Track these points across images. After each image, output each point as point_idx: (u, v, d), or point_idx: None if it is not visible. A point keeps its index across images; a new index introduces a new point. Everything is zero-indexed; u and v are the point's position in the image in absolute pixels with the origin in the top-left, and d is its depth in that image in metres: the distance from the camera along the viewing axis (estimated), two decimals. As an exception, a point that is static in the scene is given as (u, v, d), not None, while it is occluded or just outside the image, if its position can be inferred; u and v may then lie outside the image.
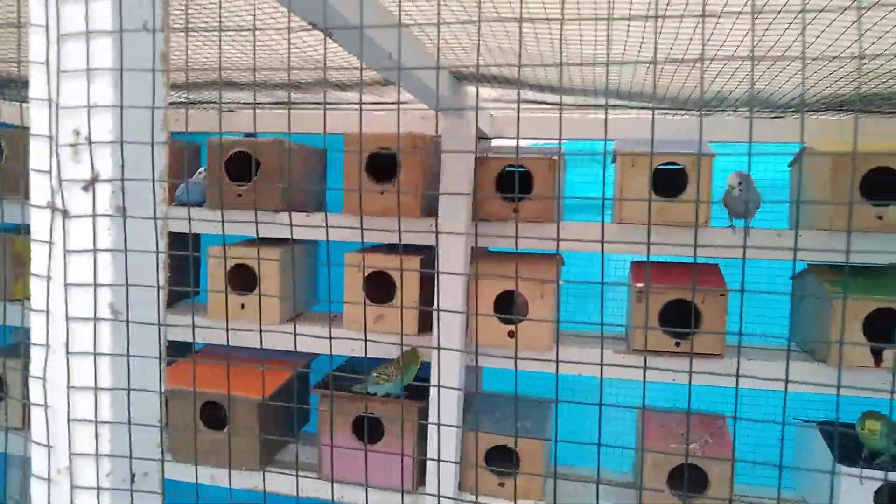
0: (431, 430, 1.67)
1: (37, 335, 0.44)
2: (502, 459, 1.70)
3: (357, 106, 1.83)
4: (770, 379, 0.68)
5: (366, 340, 1.68)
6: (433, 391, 1.66)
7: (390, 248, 1.81)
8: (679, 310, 1.59)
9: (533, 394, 1.97)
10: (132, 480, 0.43)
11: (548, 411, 1.79)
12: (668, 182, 1.60)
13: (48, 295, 0.44)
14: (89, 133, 0.42)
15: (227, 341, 1.85)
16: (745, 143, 1.77)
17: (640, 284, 1.60)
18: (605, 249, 1.66)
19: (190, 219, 1.74)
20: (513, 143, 1.90)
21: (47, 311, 0.43)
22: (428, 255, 1.78)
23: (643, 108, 1.74)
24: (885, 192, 1.48)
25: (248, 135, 2.12)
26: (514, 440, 1.64)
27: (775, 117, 1.77)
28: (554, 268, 1.64)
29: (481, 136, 1.85)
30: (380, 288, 1.75)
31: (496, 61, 1.38)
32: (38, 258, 0.44)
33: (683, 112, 1.72)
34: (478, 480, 1.68)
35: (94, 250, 0.42)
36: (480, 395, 1.89)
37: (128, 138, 0.42)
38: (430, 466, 1.66)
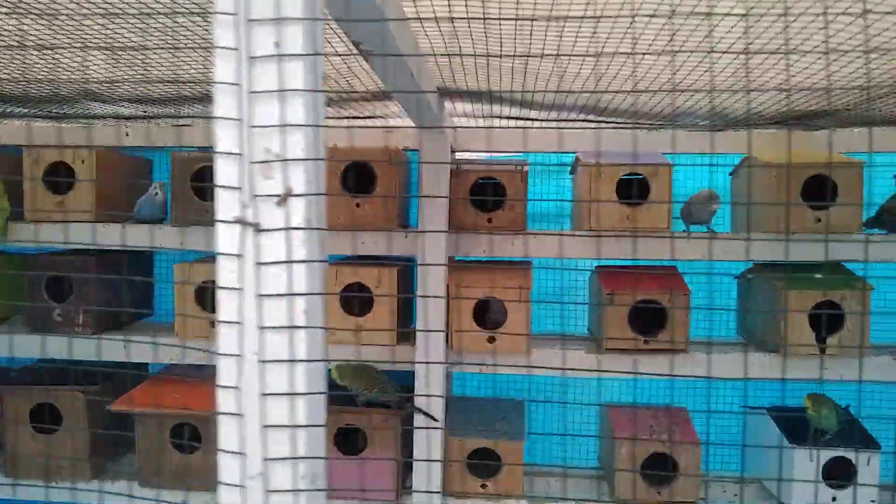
0: (417, 438, 1.70)
1: (226, 346, 0.45)
2: (483, 462, 1.75)
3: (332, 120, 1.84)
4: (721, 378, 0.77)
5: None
6: (418, 401, 1.69)
7: (365, 261, 1.82)
8: (644, 310, 1.71)
9: (508, 395, 2.03)
10: (314, 483, 0.45)
11: (522, 413, 1.86)
12: (630, 192, 1.72)
13: (240, 306, 0.45)
14: (283, 150, 0.44)
15: (182, 357, 1.80)
16: (694, 154, 1.92)
17: (609, 288, 1.70)
18: (575, 255, 1.76)
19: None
20: (476, 156, 1.97)
21: (240, 323, 0.45)
22: (404, 266, 1.82)
23: (603, 122, 1.86)
24: (822, 197, 1.66)
25: (201, 149, 2.08)
26: (493, 442, 1.70)
27: (717, 131, 1.93)
28: (529, 275, 1.72)
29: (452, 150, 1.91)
30: (356, 300, 1.77)
31: (466, 76, 1.45)
32: (225, 271, 0.46)
33: (642, 126, 1.85)
34: (462, 483, 1.72)
35: (289, 262, 0.44)
36: (455, 401, 1.93)
37: (309, 155, 0.44)
38: (417, 472, 1.68)
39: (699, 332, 1.89)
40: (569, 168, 1.98)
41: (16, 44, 1.11)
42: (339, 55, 1.14)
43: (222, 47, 0.44)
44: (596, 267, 1.88)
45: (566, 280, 2.12)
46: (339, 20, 0.68)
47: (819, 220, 1.66)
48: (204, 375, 1.80)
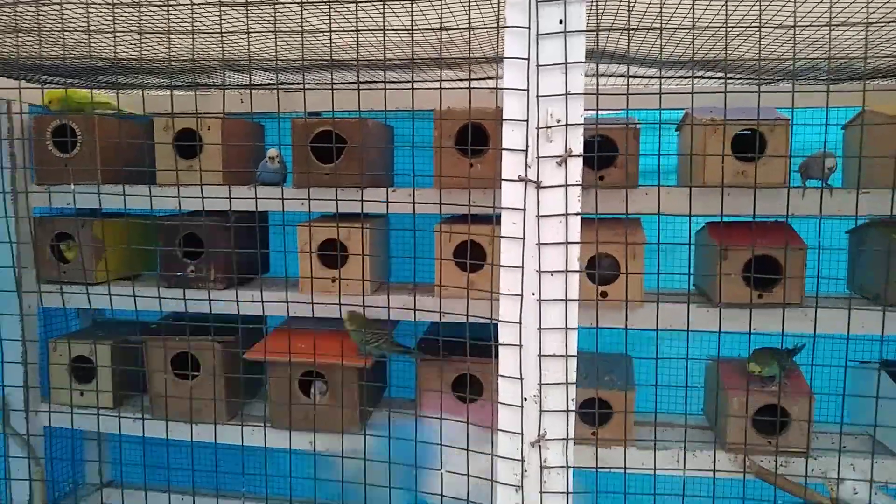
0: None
1: (509, 286, 0.52)
2: (594, 412, 1.83)
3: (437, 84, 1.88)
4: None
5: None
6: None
7: (479, 220, 1.89)
8: (757, 266, 1.72)
9: (617, 350, 2.08)
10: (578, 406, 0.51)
11: (629, 367, 1.92)
12: (743, 148, 1.72)
13: (522, 253, 0.52)
14: (566, 116, 0.50)
15: (313, 313, 1.90)
16: (809, 108, 1.88)
17: (724, 243, 1.72)
18: (684, 212, 1.77)
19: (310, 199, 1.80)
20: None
21: (522, 267, 0.52)
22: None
23: (713, 78, 1.84)
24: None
25: (311, 114, 2.17)
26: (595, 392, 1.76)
27: (831, 83, 1.89)
28: (640, 230, 1.75)
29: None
30: (470, 257, 1.84)
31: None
32: (509, 223, 0.52)
33: (750, 82, 1.83)
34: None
35: (566, 214, 0.50)
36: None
37: (583, 120, 0.50)
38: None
39: (810, 289, 1.88)
40: (675, 125, 1.98)
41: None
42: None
43: (513, 26, 0.49)
44: (707, 223, 1.89)
45: (667, 237, 2.14)
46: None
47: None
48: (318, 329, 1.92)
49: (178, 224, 1.97)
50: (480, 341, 1.91)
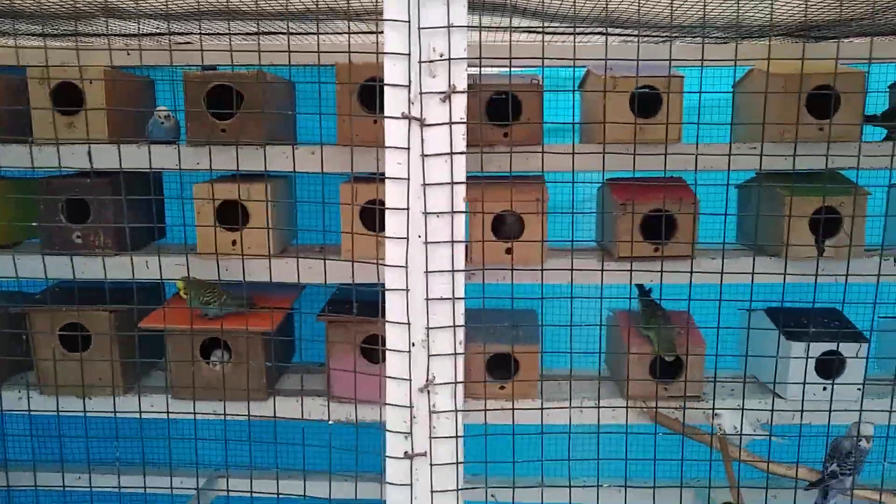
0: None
1: (394, 229, 0.50)
2: (501, 367, 1.86)
3: (344, 35, 1.82)
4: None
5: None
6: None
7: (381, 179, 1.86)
8: (654, 219, 1.78)
9: (525, 307, 2.12)
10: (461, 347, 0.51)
11: (535, 320, 1.96)
12: (641, 104, 1.76)
13: (407, 194, 0.50)
14: (448, 50, 0.48)
15: (218, 276, 1.83)
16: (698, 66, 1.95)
17: (623, 198, 1.77)
18: (587, 168, 1.81)
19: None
20: (490, 70, 1.98)
21: (407, 209, 0.50)
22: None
23: (611, 34, 1.87)
24: (825, 107, 1.73)
25: (206, 68, 2.05)
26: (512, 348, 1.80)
27: (722, 42, 1.97)
28: (543, 188, 1.77)
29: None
30: (374, 217, 1.81)
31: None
32: (392, 163, 0.50)
33: (650, 38, 1.87)
34: (482, 386, 1.83)
35: (451, 153, 0.49)
36: (472, 311, 2.02)
37: (467, 55, 0.48)
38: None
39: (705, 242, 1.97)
40: (579, 82, 2.01)
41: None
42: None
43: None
44: (606, 180, 1.94)
45: (575, 195, 2.18)
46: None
47: (822, 130, 1.74)
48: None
49: (59, 185, 1.83)
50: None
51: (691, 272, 1.55)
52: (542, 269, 1.64)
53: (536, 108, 1.79)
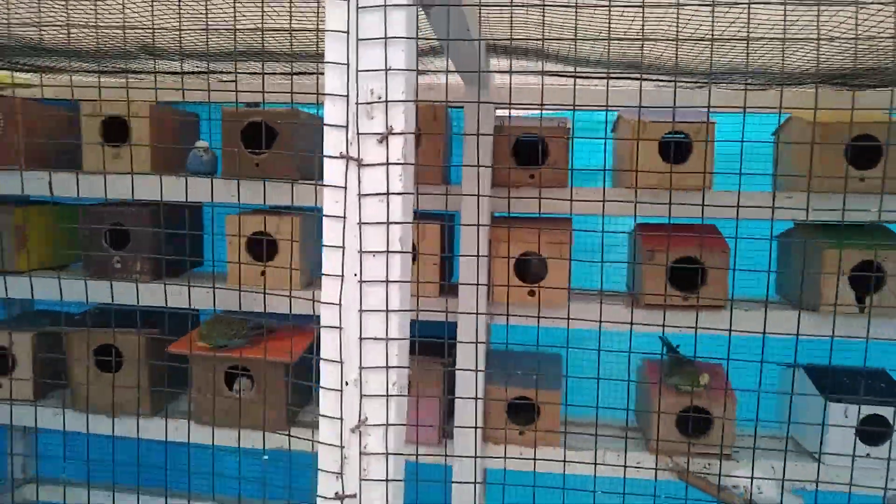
0: (458, 384, 1.77)
1: (330, 267, 0.51)
2: (521, 412, 1.82)
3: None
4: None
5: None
6: (459, 351, 1.76)
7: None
8: (684, 268, 1.73)
9: (549, 351, 2.08)
10: (400, 390, 0.51)
11: (559, 365, 1.92)
12: (672, 149, 1.73)
13: (343, 232, 0.50)
14: (386, 93, 0.49)
15: (239, 306, 1.87)
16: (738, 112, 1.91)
17: (650, 245, 1.73)
18: (616, 213, 1.78)
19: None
20: (519, 113, 1.99)
21: (342, 247, 0.50)
22: (446, 221, 1.87)
23: (646, 79, 1.86)
24: (867, 158, 1.66)
25: (249, 105, 2.13)
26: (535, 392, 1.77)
27: (761, 89, 1.92)
28: (569, 231, 1.75)
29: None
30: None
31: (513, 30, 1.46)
32: (330, 201, 0.51)
33: (685, 84, 1.85)
34: (502, 430, 1.79)
35: (388, 193, 0.49)
36: (495, 353, 2.00)
37: (408, 98, 0.49)
38: (458, 418, 1.76)
39: (740, 292, 1.90)
40: (612, 126, 2.00)
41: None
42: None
43: (333, -1, 0.48)
44: (636, 224, 1.91)
45: (606, 238, 2.14)
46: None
47: (863, 180, 1.67)
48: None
49: (103, 213, 1.92)
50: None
51: (730, 328, 1.49)
52: (567, 318, 1.62)
53: (563, 152, 1.78)
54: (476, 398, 1.71)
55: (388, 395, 0.50)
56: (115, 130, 1.91)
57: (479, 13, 1.20)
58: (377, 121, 0.49)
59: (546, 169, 1.78)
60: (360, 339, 0.51)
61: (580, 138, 1.93)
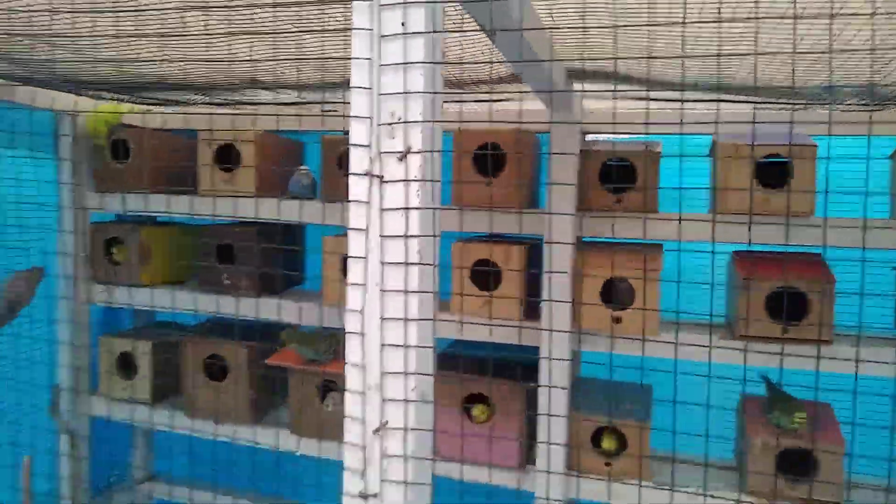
0: (541, 408, 1.76)
1: (355, 277, 0.54)
2: (607, 441, 1.77)
3: (457, 103, 1.91)
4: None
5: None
6: (543, 375, 1.75)
7: (494, 239, 1.90)
8: (786, 298, 1.63)
9: (635, 381, 2.02)
10: (423, 398, 0.53)
11: (649, 396, 1.85)
12: (770, 173, 1.65)
13: (366, 244, 0.54)
14: (405, 114, 0.52)
15: (320, 323, 1.96)
16: (841, 136, 1.79)
17: (746, 273, 1.65)
18: (709, 239, 1.72)
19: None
20: (605, 137, 1.97)
21: (365, 258, 0.54)
22: (532, 245, 1.87)
23: (740, 101, 1.78)
24: None
25: (346, 132, 2.25)
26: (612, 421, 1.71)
27: (871, 110, 1.79)
28: (659, 256, 1.71)
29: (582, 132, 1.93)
30: (485, 276, 1.85)
31: (595, 55, 1.46)
32: (356, 216, 0.55)
33: (782, 105, 1.76)
34: (586, 461, 1.75)
35: (407, 208, 0.52)
36: (581, 381, 1.96)
37: (426, 118, 0.52)
38: (541, 446, 1.74)
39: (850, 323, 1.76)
40: (707, 150, 1.93)
41: (202, 31, 1.29)
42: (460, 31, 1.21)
43: (358, 28, 0.52)
44: (734, 252, 1.82)
45: (699, 266, 2.06)
46: (462, 2, 0.75)
47: None
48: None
49: (214, 232, 2.09)
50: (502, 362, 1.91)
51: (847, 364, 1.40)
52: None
53: (653, 175, 1.74)
54: (551, 415, 1.69)
55: (406, 401, 0.53)
56: (228, 157, 2.08)
57: (550, 36, 1.22)
58: (397, 140, 0.53)
59: (634, 193, 1.75)
60: (381, 345, 0.54)
61: (667, 156, 1.87)
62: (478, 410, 1.83)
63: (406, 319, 0.52)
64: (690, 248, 2.04)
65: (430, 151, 0.53)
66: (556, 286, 1.72)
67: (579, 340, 1.77)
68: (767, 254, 1.77)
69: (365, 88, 0.53)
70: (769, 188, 1.64)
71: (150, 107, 2.23)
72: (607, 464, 1.78)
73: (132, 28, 1.30)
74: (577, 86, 1.65)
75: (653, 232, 1.73)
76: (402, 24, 0.51)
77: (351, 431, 0.55)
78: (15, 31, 1.32)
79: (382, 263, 0.53)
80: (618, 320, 1.73)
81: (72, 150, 2.16)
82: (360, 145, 0.54)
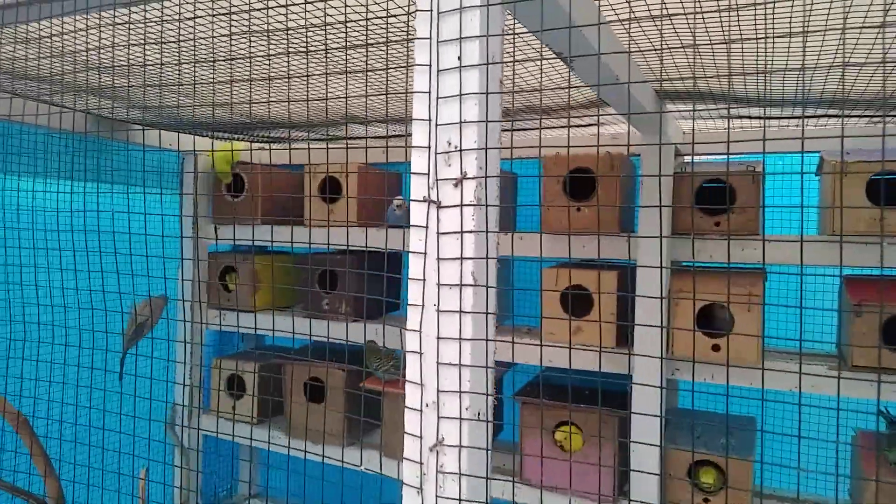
0: (635, 438, 1.71)
1: (413, 297, 0.58)
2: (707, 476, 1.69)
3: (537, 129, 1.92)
4: None
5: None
6: (635, 403, 1.70)
7: (587, 264, 1.88)
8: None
9: (737, 412, 1.93)
10: (478, 416, 0.55)
11: (752, 429, 1.76)
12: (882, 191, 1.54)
13: (424, 267, 0.57)
14: (460, 143, 0.55)
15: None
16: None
17: (858, 298, 1.54)
18: (818, 262, 1.62)
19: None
20: (703, 157, 1.91)
21: (423, 280, 0.57)
22: (625, 270, 1.84)
23: (847, 116, 1.68)
24: None
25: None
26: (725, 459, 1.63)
27: None
28: (760, 281, 1.63)
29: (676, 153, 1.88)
30: (579, 301, 1.83)
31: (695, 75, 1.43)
32: (415, 240, 0.58)
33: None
34: (683, 497, 1.68)
35: (461, 232, 0.55)
36: (679, 411, 1.89)
37: (481, 146, 0.55)
38: (634, 479, 1.69)
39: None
40: (815, 169, 1.83)
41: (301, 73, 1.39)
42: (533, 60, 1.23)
43: (419, 64, 0.56)
44: (845, 275, 1.70)
45: (812, 290, 1.94)
46: (534, 31, 0.77)
47: None
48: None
49: (318, 260, 2.20)
50: (585, 389, 1.88)
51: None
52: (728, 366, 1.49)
53: (753, 196, 1.67)
54: (647, 443, 1.63)
55: (460, 419, 0.54)
56: (332, 188, 2.19)
57: (629, 60, 1.21)
58: (453, 167, 0.55)
59: (733, 215, 1.68)
60: (438, 363, 0.56)
61: (770, 174, 1.79)
62: (567, 437, 1.80)
63: (461, 339, 0.54)
64: (795, 272, 1.93)
65: (485, 177, 0.56)
66: (650, 311, 1.68)
67: (674, 368, 1.71)
68: (884, 277, 1.65)
69: (423, 120, 0.56)
70: (885, 206, 1.53)
71: (262, 144, 2.40)
72: (706, 500, 1.70)
73: (244, 74, 1.42)
74: (669, 106, 1.62)
75: (754, 255, 1.66)
76: (458, 58, 0.54)
77: (409, 447, 0.57)
78: (149, 83, 1.48)
79: (439, 285, 0.56)
80: (716, 348, 1.65)
81: (194, 186, 2.36)
82: (419, 173, 0.57)
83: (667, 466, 1.73)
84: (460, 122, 0.54)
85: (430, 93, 0.56)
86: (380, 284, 2.26)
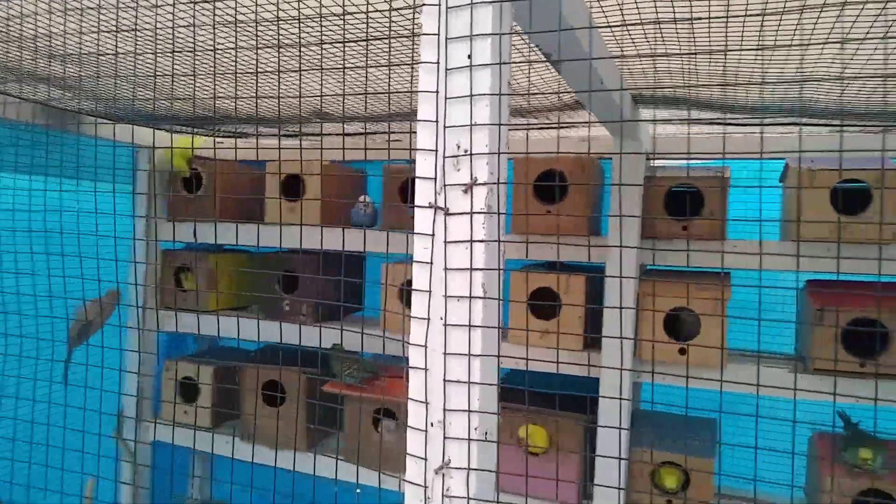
0: (599, 443, 1.71)
1: (418, 311, 0.54)
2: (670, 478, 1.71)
3: (522, 131, 1.91)
4: None
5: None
6: (601, 408, 1.70)
7: (553, 267, 1.87)
8: (864, 331, 1.55)
9: (702, 416, 1.95)
10: (486, 436, 0.52)
11: (714, 431, 1.78)
12: (847, 200, 1.58)
13: (430, 277, 0.54)
14: (470, 146, 0.52)
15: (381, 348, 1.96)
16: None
17: (820, 303, 1.57)
18: (781, 268, 1.65)
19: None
20: (672, 163, 1.93)
21: (429, 292, 0.54)
22: (594, 273, 1.84)
23: (813, 125, 1.72)
24: None
25: (410, 162, 2.27)
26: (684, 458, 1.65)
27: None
28: (725, 285, 1.64)
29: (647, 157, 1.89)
30: (545, 305, 1.82)
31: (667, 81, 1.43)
32: (420, 249, 0.55)
33: (860, 129, 1.69)
34: (647, 497, 1.69)
35: (471, 241, 0.52)
36: (643, 414, 1.90)
37: (492, 150, 0.52)
38: (599, 480, 1.69)
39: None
40: (779, 175, 1.87)
41: (272, 69, 1.34)
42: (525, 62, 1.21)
43: (425, 62, 0.53)
44: (807, 281, 1.74)
45: (772, 295, 1.98)
46: (526, 32, 0.74)
47: None
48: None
49: (277, 260, 2.13)
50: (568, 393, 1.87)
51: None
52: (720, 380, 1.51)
53: (719, 202, 1.69)
54: (619, 458, 1.64)
55: (469, 440, 0.51)
56: (293, 187, 2.13)
57: (621, 65, 1.20)
58: (463, 172, 0.52)
59: (700, 220, 1.70)
60: (445, 381, 0.53)
61: (737, 186, 1.82)
62: (533, 441, 1.79)
63: (470, 355, 0.51)
64: (753, 280, 1.96)
65: (496, 183, 0.53)
66: (618, 316, 1.68)
67: (639, 372, 1.72)
68: (845, 283, 1.69)
69: (430, 121, 0.53)
70: (847, 214, 1.56)
71: (222, 139, 2.31)
72: (669, 501, 1.71)
73: (208, 67, 1.36)
74: (644, 111, 1.62)
75: (720, 260, 1.68)
76: (469, 57, 0.51)
77: (412, 470, 0.54)
78: (103, 73, 1.39)
79: (445, 297, 0.53)
80: (682, 352, 1.67)
81: (147, 182, 2.26)
82: (425, 178, 0.54)
83: (630, 467, 1.74)
84: (471, 125, 0.51)
85: (437, 92, 0.53)
86: (339, 287, 2.20)
